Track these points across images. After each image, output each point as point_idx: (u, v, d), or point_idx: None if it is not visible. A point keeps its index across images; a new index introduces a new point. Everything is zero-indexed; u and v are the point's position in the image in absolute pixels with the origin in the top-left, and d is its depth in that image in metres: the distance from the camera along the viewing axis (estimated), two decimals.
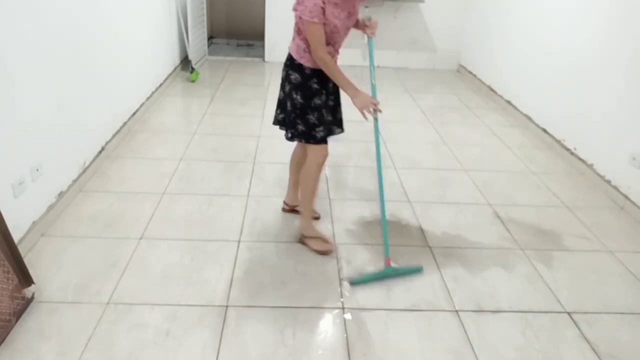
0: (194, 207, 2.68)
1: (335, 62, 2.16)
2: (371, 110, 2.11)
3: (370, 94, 2.17)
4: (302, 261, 2.31)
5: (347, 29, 2.20)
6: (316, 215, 2.63)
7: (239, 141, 3.59)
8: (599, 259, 2.48)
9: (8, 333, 1.78)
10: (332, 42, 2.15)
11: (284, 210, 2.71)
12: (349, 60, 6.06)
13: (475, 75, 5.52)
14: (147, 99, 4.05)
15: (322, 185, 3.01)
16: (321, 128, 2.21)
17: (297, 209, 2.60)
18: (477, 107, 4.70)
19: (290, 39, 2.22)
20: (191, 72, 4.95)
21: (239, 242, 2.42)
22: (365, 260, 2.34)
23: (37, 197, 2.33)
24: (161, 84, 4.46)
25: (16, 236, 2.06)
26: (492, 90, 5.01)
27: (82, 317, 1.89)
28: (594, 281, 2.31)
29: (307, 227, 2.41)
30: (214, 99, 4.48)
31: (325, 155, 2.28)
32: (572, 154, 3.54)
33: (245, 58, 6.08)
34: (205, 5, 5.62)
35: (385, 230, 2.31)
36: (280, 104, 2.34)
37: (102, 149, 3.11)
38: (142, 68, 3.96)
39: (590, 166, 3.33)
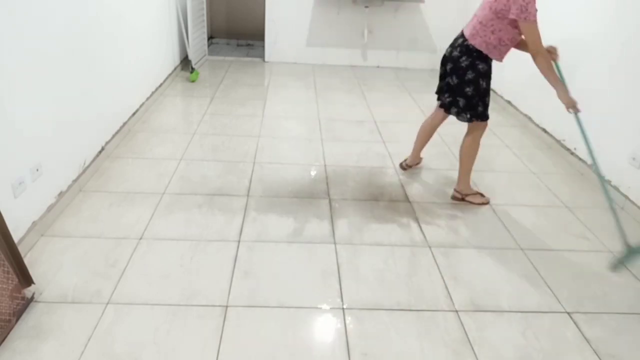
0: (194, 207, 2.68)
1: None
2: (571, 109, 2.52)
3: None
4: (302, 260, 2.31)
5: None
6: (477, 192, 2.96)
7: (239, 141, 3.59)
8: (599, 259, 2.48)
9: (8, 333, 1.78)
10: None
11: (402, 168, 3.25)
12: (349, 60, 6.09)
13: None
14: (147, 98, 4.05)
15: (321, 185, 3.02)
16: (486, 107, 2.70)
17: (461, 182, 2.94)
18: None
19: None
20: (191, 72, 4.95)
21: (238, 242, 2.42)
22: (366, 261, 2.34)
23: (37, 197, 2.33)
24: (161, 84, 4.46)
25: (16, 236, 2.06)
26: (492, 90, 5.00)
27: (82, 317, 1.89)
28: (594, 281, 2.31)
29: (467, 187, 2.90)
30: (214, 99, 4.48)
31: (484, 129, 2.80)
32: (572, 154, 3.54)
33: (245, 58, 6.08)
34: (205, 5, 5.62)
35: (613, 207, 2.40)
36: (452, 89, 2.70)
37: (102, 149, 3.11)
38: (142, 68, 3.96)
39: (590, 166, 3.33)
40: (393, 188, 3.04)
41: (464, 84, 2.63)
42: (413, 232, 2.60)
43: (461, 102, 2.67)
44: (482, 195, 2.91)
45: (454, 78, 2.66)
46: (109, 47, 3.21)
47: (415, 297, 2.12)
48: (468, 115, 2.69)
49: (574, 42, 3.62)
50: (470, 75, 2.60)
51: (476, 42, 2.56)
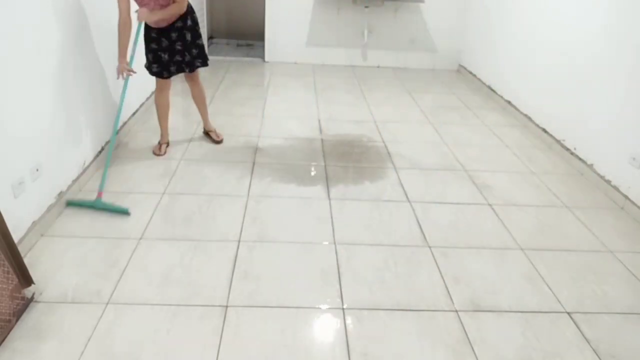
0: (194, 207, 2.68)
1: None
2: (124, 74, 2.90)
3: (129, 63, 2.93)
4: (302, 260, 2.31)
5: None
6: (165, 141, 3.37)
7: (239, 141, 3.59)
8: (599, 259, 2.48)
9: (8, 333, 1.78)
10: (141, 5, 2.85)
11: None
12: (349, 60, 6.09)
13: (475, 75, 5.52)
14: (147, 99, 4.05)
15: (322, 185, 3.02)
16: (155, 65, 3.12)
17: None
18: (477, 107, 4.70)
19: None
20: None
21: (238, 242, 2.42)
22: (366, 259, 2.34)
23: (37, 197, 2.33)
24: None
25: (16, 236, 2.06)
26: (492, 90, 5.01)
27: (82, 317, 1.89)
28: (594, 281, 2.31)
29: (162, 135, 3.34)
30: (214, 99, 4.48)
31: (160, 86, 3.24)
32: (572, 154, 3.54)
33: (245, 58, 6.08)
34: (205, 5, 5.62)
35: (107, 165, 2.81)
36: None
37: (102, 149, 3.10)
38: (142, 68, 3.95)
39: (590, 166, 3.33)
40: (394, 188, 3.04)
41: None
42: (413, 232, 2.60)
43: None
44: (159, 147, 3.29)
45: None
46: (109, 46, 3.20)
47: (415, 297, 2.12)
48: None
49: (575, 43, 3.62)
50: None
51: None
